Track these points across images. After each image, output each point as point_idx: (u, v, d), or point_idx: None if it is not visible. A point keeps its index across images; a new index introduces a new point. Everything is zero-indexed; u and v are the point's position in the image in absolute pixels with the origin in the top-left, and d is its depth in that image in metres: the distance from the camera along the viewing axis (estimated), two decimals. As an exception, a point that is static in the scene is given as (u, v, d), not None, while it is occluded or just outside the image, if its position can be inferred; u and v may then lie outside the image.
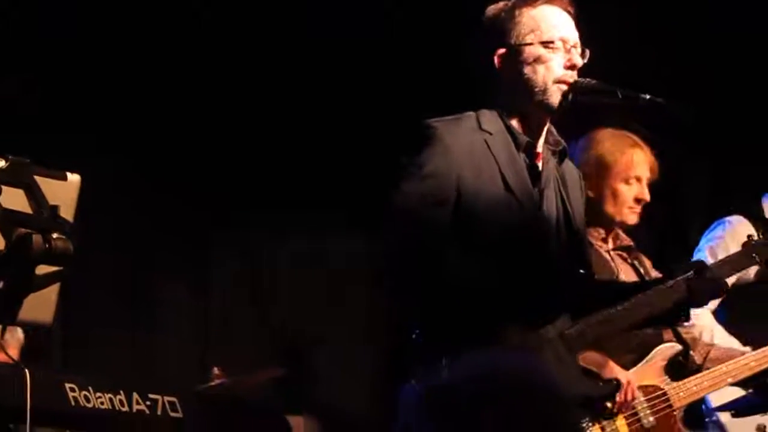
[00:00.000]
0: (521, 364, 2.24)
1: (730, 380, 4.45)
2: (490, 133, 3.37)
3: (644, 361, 4.30)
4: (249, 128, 5.94)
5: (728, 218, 5.14)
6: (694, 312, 4.75)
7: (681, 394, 4.34)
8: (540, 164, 3.44)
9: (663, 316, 3.51)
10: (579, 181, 3.61)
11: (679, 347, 4.38)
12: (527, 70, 3.40)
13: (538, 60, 3.40)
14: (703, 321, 4.87)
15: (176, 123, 5.86)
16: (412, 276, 3.25)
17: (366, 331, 6.02)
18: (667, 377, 4.34)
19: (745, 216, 5.10)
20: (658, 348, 4.35)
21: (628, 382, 4.12)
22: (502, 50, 3.43)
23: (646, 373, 4.27)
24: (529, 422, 2.01)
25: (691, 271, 3.47)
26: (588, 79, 3.45)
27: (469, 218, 3.28)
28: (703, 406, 4.85)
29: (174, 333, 5.84)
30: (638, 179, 4.41)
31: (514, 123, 3.43)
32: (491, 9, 3.49)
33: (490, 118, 3.41)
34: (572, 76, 3.42)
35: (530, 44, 3.41)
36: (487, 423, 1.99)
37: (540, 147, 3.46)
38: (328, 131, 5.97)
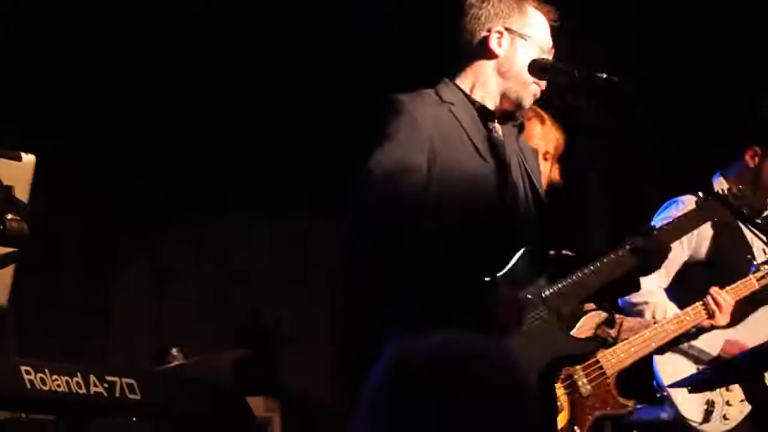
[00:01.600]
0: (486, 343, 2.25)
1: (654, 345, 4.52)
2: (453, 104, 3.42)
3: (574, 330, 4.33)
4: (209, 110, 5.90)
5: (680, 198, 5.20)
6: (649, 289, 4.82)
7: (612, 360, 4.41)
8: (501, 135, 3.48)
9: (619, 284, 3.56)
10: (535, 156, 3.66)
11: (604, 314, 4.42)
12: (520, 61, 3.45)
13: (531, 56, 3.48)
14: (657, 298, 4.92)
15: (134, 103, 5.81)
16: (384, 246, 3.26)
17: (329, 313, 6.02)
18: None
19: (696, 195, 5.15)
20: (584, 317, 4.39)
21: None
22: (499, 30, 3.48)
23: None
24: (481, 408, 2.01)
25: (641, 237, 3.53)
26: (545, 59, 3.48)
27: (444, 186, 3.32)
28: (654, 382, 4.91)
29: (132, 314, 5.81)
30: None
31: (477, 96, 3.46)
32: None
33: (448, 91, 3.46)
34: (543, 84, 3.47)
35: (531, 38, 3.46)
36: (452, 399, 1.99)
37: (496, 122, 3.50)
38: (289, 112, 5.94)
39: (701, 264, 5.05)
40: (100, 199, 5.78)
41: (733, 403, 4.76)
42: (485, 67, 3.50)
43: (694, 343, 4.91)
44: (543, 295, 3.42)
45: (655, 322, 4.63)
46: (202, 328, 5.88)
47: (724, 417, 4.84)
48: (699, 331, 4.73)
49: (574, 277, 3.49)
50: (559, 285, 3.47)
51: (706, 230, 5.05)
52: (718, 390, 4.72)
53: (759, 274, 4.72)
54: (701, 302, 4.66)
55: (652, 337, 4.53)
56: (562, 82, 3.44)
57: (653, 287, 4.90)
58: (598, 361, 4.39)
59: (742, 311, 4.85)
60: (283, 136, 5.97)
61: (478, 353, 2.00)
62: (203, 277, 6.04)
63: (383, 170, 3.29)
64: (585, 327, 4.37)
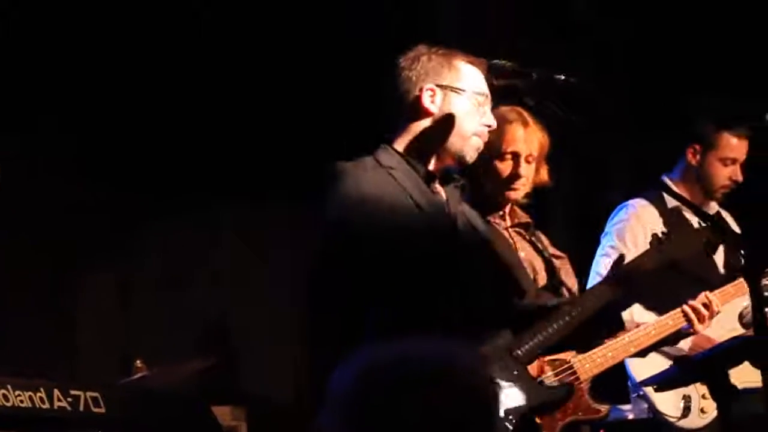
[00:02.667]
0: (444, 350, 2.25)
1: (633, 349, 4.52)
2: (392, 167, 3.41)
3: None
4: (170, 114, 5.86)
5: (630, 201, 5.25)
6: None
7: (587, 366, 4.38)
8: (444, 197, 3.49)
9: (595, 325, 3.58)
10: (480, 219, 3.68)
11: None
12: (459, 114, 3.46)
13: (465, 110, 3.46)
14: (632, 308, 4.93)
15: (98, 111, 5.76)
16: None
17: (293, 320, 5.99)
18: (572, 350, 4.39)
19: (647, 198, 5.20)
20: None
21: (539, 358, 4.17)
22: (431, 88, 3.47)
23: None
24: (449, 410, 2.00)
25: (611, 275, 3.56)
26: (503, 61, 3.48)
27: (390, 246, 3.29)
28: (629, 382, 4.92)
29: (95, 326, 5.77)
30: (515, 155, 4.39)
31: (414, 157, 3.46)
32: (420, 49, 3.54)
33: (387, 155, 3.46)
34: (485, 135, 3.47)
35: (464, 91, 3.46)
36: (405, 409, 1.98)
37: (437, 184, 3.51)
38: (249, 118, 5.92)
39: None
40: (63, 206, 5.73)
41: (709, 396, 4.78)
42: (421, 126, 3.49)
43: None
44: (511, 351, 3.42)
45: (637, 326, 4.62)
46: (168, 338, 5.84)
47: (702, 411, 4.86)
48: (678, 336, 4.74)
49: (540, 335, 3.50)
50: (527, 341, 3.47)
51: (658, 227, 5.08)
52: (693, 384, 4.74)
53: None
54: (681, 308, 4.67)
55: (631, 342, 4.51)
56: (520, 85, 3.45)
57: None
58: (571, 367, 4.38)
59: None
60: (245, 142, 5.94)
61: (444, 358, 2.00)
62: (168, 287, 6.00)
63: (331, 245, 3.31)
64: None
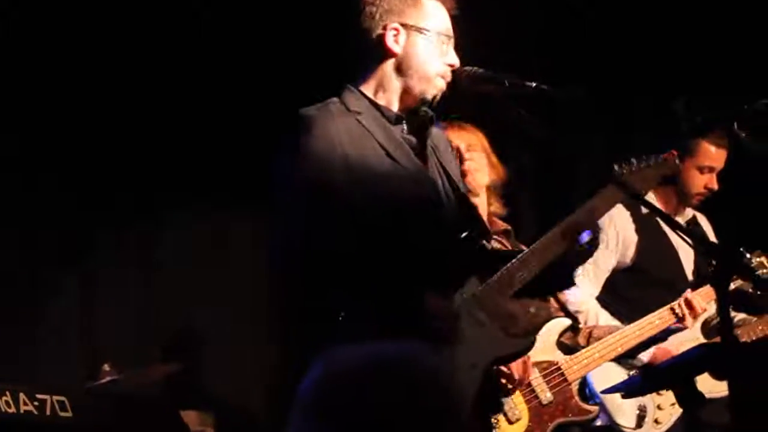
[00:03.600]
0: (413, 349, 2.26)
1: (619, 349, 4.55)
2: (359, 113, 3.39)
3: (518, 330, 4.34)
4: (130, 114, 5.83)
5: None
6: (581, 299, 4.85)
7: (575, 367, 4.41)
8: (411, 137, 3.46)
9: (552, 276, 3.57)
10: (449, 145, 3.66)
11: (568, 321, 4.45)
12: (421, 54, 3.42)
13: (434, 49, 3.43)
14: (589, 306, 4.96)
15: (59, 108, 5.72)
16: (310, 266, 3.24)
17: (261, 325, 5.98)
18: (560, 352, 4.40)
19: (621, 203, 5.21)
20: (548, 324, 4.41)
21: (525, 360, 4.18)
22: (395, 27, 3.43)
23: (540, 349, 4.33)
24: (409, 412, 2.01)
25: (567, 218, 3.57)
26: (475, 68, 3.48)
27: (361, 194, 3.28)
28: (587, 389, 4.94)
29: (62, 329, 5.73)
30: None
31: (381, 99, 3.44)
32: None
33: (354, 99, 3.43)
34: (449, 75, 3.46)
35: (428, 31, 3.43)
36: (381, 407, 1.99)
37: (405, 125, 3.49)
38: (207, 116, 5.89)
39: (628, 270, 5.10)
40: (27, 209, 5.69)
41: (664, 407, 4.80)
42: (385, 67, 3.44)
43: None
44: (476, 295, 3.41)
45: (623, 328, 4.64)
46: (134, 342, 5.81)
47: (656, 421, 4.88)
48: (667, 334, 4.76)
49: (503, 272, 3.49)
50: (490, 282, 3.46)
51: (630, 236, 5.11)
52: (649, 395, 4.77)
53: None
54: (668, 307, 4.70)
55: (617, 342, 4.54)
56: (491, 91, 3.44)
57: (585, 296, 4.95)
58: (559, 368, 4.39)
59: None
60: (206, 146, 5.92)
61: (405, 360, 2.01)
62: (134, 291, 5.97)
63: (304, 188, 3.28)
64: (548, 334, 4.40)
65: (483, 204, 4.59)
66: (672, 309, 4.71)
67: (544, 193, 6.46)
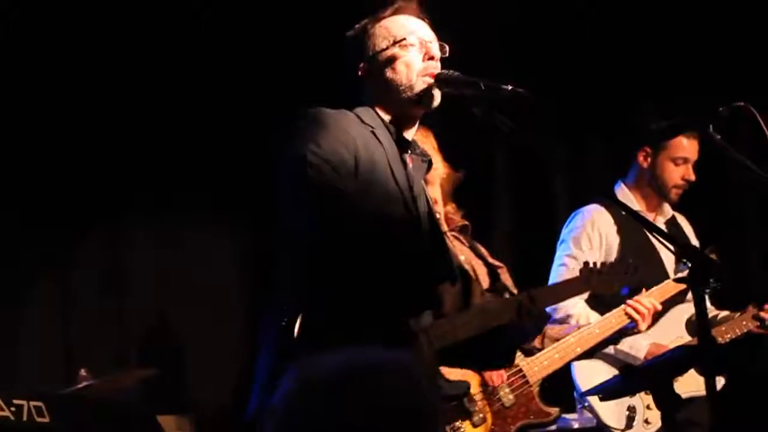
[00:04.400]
0: (385, 358, 2.26)
1: (579, 350, 4.57)
2: (373, 127, 3.42)
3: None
4: (105, 124, 5.81)
5: (584, 208, 5.29)
6: (570, 302, 4.87)
7: (535, 368, 4.44)
8: (411, 168, 3.50)
9: (493, 342, 3.59)
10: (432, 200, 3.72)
11: None
12: (388, 72, 3.48)
13: (394, 59, 3.49)
14: (578, 309, 4.96)
15: (31, 113, 5.69)
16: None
17: (238, 328, 5.98)
18: (520, 353, 4.42)
19: (601, 204, 5.24)
20: None
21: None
22: (362, 64, 3.49)
23: None
24: (385, 413, 2.02)
25: (525, 294, 3.58)
26: (450, 71, 3.50)
27: (363, 199, 3.30)
28: (575, 393, 4.95)
29: (37, 334, 5.71)
30: None
31: (387, 119, 3.48)
32: (351, 30, 3.58)
33: (367, 115, 3.47)
34: (435, 66, 3.48)
35: (385, 49, 3.48)
36: (353, 416, 1.99)
37: (410, 153, 3.53)
38: (186, 127, 5.88)
39: None
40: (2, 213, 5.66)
41: (654, 406, 4.81)
42: (377, 97, 3.52)
43: (619, 347, 4.98)
44: (429, 328, 3.43)
45: (578, 328, 4.67)
46: (111, 347, 5.79)
47: (646, 421, 4.90)
48: (622, 334, 4.79)
49: (449, 319, 3.51)
50: (439, 323, 3.48)
51: (613, 236, 5.13)
52: (638, 394, 4.78)
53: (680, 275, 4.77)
54: (622, 307, 4.72)
55: (576, 343, 4.57)
56: (467, 94, 3.46)
57: (573, 299, 4.96)
58: (521, 370, 4.41)
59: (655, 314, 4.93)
60: (190, 153, 5.90)
61: (377, 368, 2.02)
62: (111, 295, 5.94)
63: (319, 160, 3.28)
64: None
65: (441, 206, 4.61)
66: (625, 311, 4.73)
67: (519, 195, 6.48)
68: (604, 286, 4.14)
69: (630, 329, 4.76)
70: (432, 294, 3.43)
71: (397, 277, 3.31)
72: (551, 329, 4.69)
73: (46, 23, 5.64)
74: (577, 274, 4.18)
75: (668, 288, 4.81)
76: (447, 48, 3.56)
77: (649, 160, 5.30)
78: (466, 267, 4.51)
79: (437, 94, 3.50)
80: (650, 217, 5.29)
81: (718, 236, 5.50)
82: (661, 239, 3.42)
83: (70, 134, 5.74)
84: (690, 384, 4.67)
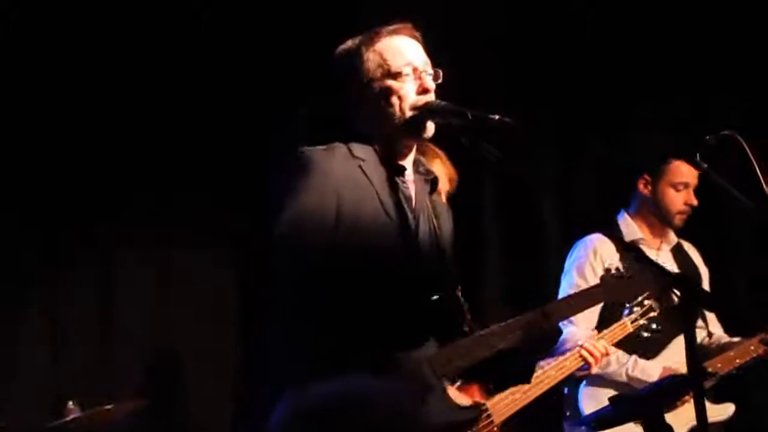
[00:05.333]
0: (378, 388, 2.25)
1: (539, 391, 4.56)
2: (363, 160, 3.42)
3: (457, 383, 4.34)
4: (109, 148, 5.79)
5: (587, 237, 5.28)
6: (582, 334, 4.85)
7: (502, 410, 4.42)
8: (412, 192, 3.48)
9: (505, 363, 3.57)
10: (448, 212, 3.68)
11: None
12: (381, 103, 3.47)
13: (389, 92, 3.47)
14: (580, 335, 4.93)
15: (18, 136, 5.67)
16: (294, 298, 3.25)
17: (227, 359, 5.96)
18: (486, 393, 4.41)
19: (603, 233, 5.22)
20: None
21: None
22: (355, 89, 3.49)
23: (471, 389, 4.34)
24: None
25: (539, 311, 3.55)
26: (439, 101, 3.50)
27: (348, 241, 3.30)
28: (564, 423, 4.94)
29: (26, 368, 5.67)
30: None
31: (381, 151, 3.47)
32: (339, 49, 3.57)
33: (359, 147, 3.46)
34: (426, 99, 3.47)
35: (379, 79, 3.46)
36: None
37: (410, 174, 3.51)
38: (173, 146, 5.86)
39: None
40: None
41: None
42: (368, 123, 3.52)
43: (632, 373, 4.98)
44: (431, 357, 3.41)
45: (540, 367, 4.65)
46: (99, 379, 5.76)
47: None
48: (580, 374, 4.79)
49: (461, 345, 3.48)
50: (447, 348, 3.45)
51: (616, 264, 5.10)
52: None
53: (632, 317, 4.76)
54: (577, 350, 4.71)
55: (536, 385, 4.56)
56: (454, 124, 3.45)
57: (582, 331, 4.94)
58: (486, 409, 4.39)
59: (660, 340, 4.92)
60: (177, 173, 5.88)
61: (369, 399, 2.01)
62: (97, 327, 5.91)
63: (294, 220, 3.28)
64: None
65: None
66: (580, 354, 4.73)
67: (508, 224, 6.47)
68: (625, 293, 4.08)
69: (583, 371, 4.77)
70: (432, 322, 3.41)
71: (390, 310, 3.29)
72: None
73: (44, 27, 5.62)
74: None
75: (619, 331, 4.80)
76: (441, 74, 3.55)
77: (649, 187, 5.30)
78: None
79: (431, 126, 3.49)
80: (655, 244, 5.28)
81: (711, 262, 5.50)
82: (651, 268, 3.41)
83: (61, 158, 5.71)
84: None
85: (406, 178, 3.51)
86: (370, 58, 3.51)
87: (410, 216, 3.44)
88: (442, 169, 4.50)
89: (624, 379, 5.02)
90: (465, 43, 5.73)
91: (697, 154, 3.86)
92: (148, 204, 5.87)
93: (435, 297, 3.36)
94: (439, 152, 4.49)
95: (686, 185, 5.24)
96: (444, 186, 4.45)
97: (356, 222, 3.32)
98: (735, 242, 6.35)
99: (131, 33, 5.72)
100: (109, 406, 4.94)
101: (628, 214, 5.38)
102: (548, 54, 6.27)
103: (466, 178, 4.67)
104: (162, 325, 5.93)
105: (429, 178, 3.57)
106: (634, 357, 5.05)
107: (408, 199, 3.46)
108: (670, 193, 5.25)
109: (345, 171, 3.38)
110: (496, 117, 3.38)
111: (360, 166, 3.41)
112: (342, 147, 3.46)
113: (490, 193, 6.36)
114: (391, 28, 3.56)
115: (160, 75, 5.76)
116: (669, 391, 4.02)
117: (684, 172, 5.22)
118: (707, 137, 3.87)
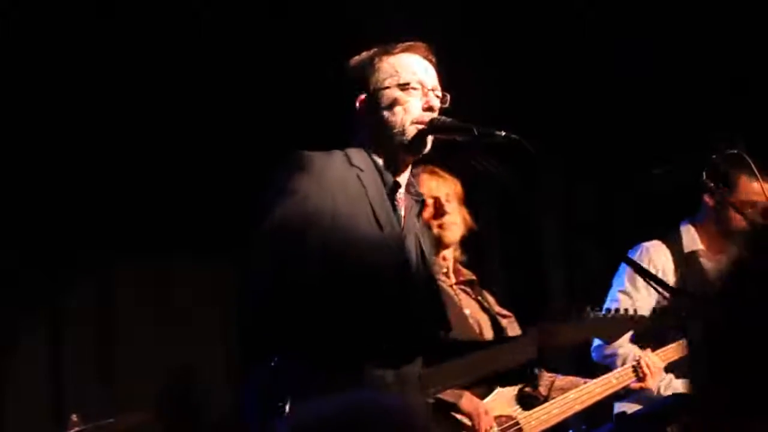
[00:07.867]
0: (382, 403, 2.25)
1: (578, 407, 4.52)
2: (361, 170, 3.42)
3: (495, 391, 4.33)
4: (112, 165, 5.79)
5: (645, 243, 5.21)
6: (630, 348, 4.82)
7: (533, 423, 4.40)
8: (402, 210, 3.49)
9: (513, 374, 3.56)
10: (431, 235, 3.70)
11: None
12: (386, 113, 3.48)
13: (395, 102, 3.48)
14: (627, 349, 4.90)
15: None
16: (279, 303, 3.25)
17: (230, 370, 5.95)
18: (518, 407, 4.39)
19: (663, 241, 5.18)
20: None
21: (485, 412, 4.16)
22: (362, 96, 3.51)
23: (499, 402, 4.31)
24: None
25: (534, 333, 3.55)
26: (444, 117, 3.51)
27: (339, 249, 3.29)
28: None
29: (28, 382, 5.67)
30: (435, 200, 4.50)
31: (379, 162, 3.48)
32: (354, 59, 3.59)
33: (358, 156, 3.47)
34: (430, 116, 3.48)
35: (388, 88, 3.49)
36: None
37: (402, 194, 3.52)
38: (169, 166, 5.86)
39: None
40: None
41: None
42: (370, 132, 3.53)
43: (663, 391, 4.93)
44: (421, 374, 3.41)
45: (584, 383, 4.61)
46: (102, 392, 5.75)
47: None
48: (628, 391, 4.74)
49: (448, 367, 3.48)
50: (434, 369, 3.45)
51: (670, 271, 5.06)
52: None
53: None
54: (631, 365, 4.67)
55: (576, 399, 4.51)
56: (461, 141, 3.46)
57: (622, 338, 4.89)
58: (517, 423, 4.36)
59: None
60: (174, 193, 5.88)
61: (368, 416, 2.01)
62: (103, 337, 5.91)
63: (284, 226, 3.29)
64: (508, 388, 4.37)
65: (451, 256, 4.61)
66: (633, 368, 4.68)
67: (511, 242, 6.46)
68: (674, 320, 4.08)
69: (634, 387, 4.71)
70: (420, 340, 3.41)
71: (377, 323, 3.29)
72: (560, 380, 4.64)
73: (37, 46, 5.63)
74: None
75: (674, 351, 4.75)
76: (448, 98, 3.56)
77: (714, 201, 5.17)
78: (471, 321, 4.49)
79: (428, 141, 3.50)
80: (715, 257, 5.14)
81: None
82: (655, 286, 3.40)
83: (62, 172, 5.71)
84: None
85: (398, 195, 3.51)
86: (383, 68, 3.53)
87: (401, 232, 3.44)
88: (445, 180, 4.51)
89: (652, 393, 4.92)
90: (462, 55, 5.72)
91: (703, 174, 3.85)
92: (148, 219, 5.87)
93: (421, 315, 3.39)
94: (435, 168, 4.50)
95: (753, 205, 5.07)
96: (450, 192, 4.48)
97: (347, 229, 3.33)
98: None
99: (130, 44, 5.73)
100: (112, 420, 4.93)
101: (692, 223, 5.29)
102: (552, 68, 6.28)
103: (467, 190, 4.68)
104: (165, 339, 5.92)
105: (419, 199, 3.58)
106: (670, 376, 4.96)
107: (398, 216, 3.47)
108: (734, 211, 5.11)
109: (341, 176, 3.39)
110: (502, 133, 3.38)
111: (358, 175, 3.42)
112: (340, 153, 3.47)
113: (491, 204, 6.35)
114: (407, 44, 3.58)
115: (160, 86, 5.76)
116: (671, 410, 4.00)
117: (752, 189, 5.04)
118: (714, 156, 3.86)
